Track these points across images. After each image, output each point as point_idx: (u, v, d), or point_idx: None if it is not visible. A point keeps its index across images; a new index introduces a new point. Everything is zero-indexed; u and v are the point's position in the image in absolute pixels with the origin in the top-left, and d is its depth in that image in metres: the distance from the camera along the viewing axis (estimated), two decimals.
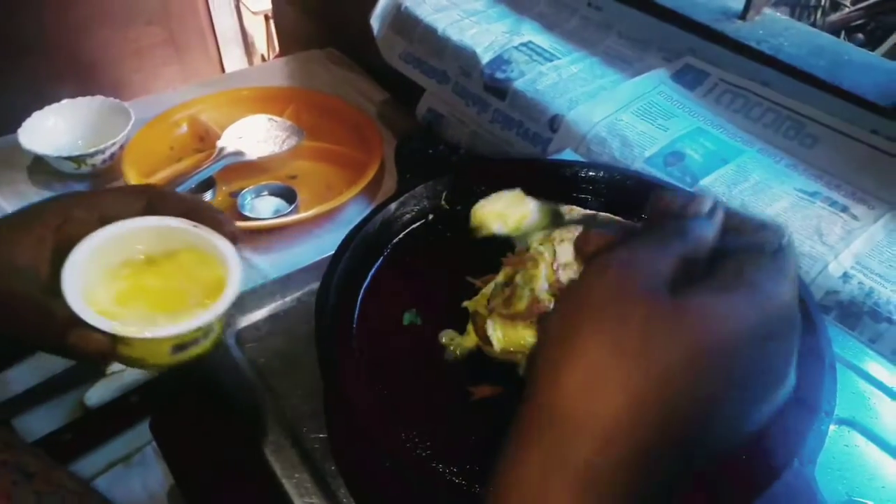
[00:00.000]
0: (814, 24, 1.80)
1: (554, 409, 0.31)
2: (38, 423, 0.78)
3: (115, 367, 0.84)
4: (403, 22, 1.15)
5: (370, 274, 0.65)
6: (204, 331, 0.47)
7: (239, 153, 1.10)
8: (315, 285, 0.60)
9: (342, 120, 1.25)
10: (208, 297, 0.48)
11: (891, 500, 0.54)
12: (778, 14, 0.99)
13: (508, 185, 0.74)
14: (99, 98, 1.19)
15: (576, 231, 0.60)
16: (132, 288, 0.48)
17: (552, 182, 0.75)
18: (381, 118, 1.27)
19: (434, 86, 1.13)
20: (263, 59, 2.24)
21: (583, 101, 0.95)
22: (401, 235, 0.69)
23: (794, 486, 0.47)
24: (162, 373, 0.81)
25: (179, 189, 1.00)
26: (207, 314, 0.46)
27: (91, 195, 0.50)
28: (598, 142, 0.89)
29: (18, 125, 1.11)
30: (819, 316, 0.58)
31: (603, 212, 0.65)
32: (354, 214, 1.06)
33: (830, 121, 0.86)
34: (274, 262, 1.01)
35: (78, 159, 1.09)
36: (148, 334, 0.45)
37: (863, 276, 0.71)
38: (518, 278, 0.57)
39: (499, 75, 1.02)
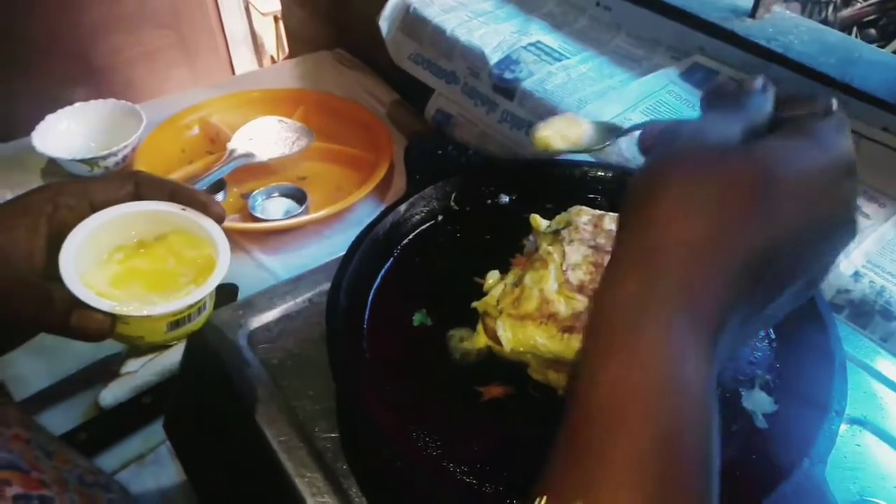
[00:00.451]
0: (825, 20, 1.79)
1: (647, 240, 0.33)
2: (54, 422, 0.79)
3: (129, 367, 0.85)
4: (412, 23, 1.16)
5: (380, 275, 0.66)
6: (197, 307, 0.50)
7: (249, 155, 1.11)
8: (326, 286, 0.61)
9: (352, 121, 1.25)
10: (199, 275, 0.51)
11: None
12: (788, 11, 0.98)
13: (517, 186, 0.75)
14: (111, 101, 1.21)
15: (590, 218, 0.61)
16: (126, 271, 0.51)
17: (561, 182, 0.75)
18: (390, 119, 1.27)
19: (443, 86, 1.13)
20: (273, 60, 2.25)
21: (592, 100, 0.95)
22: (411, 236, 0.70)
23: (804, 487, 0.47)
24: (174, 374, 0.82)
25: None
26: (200, 291, 0.49)
27: (80, 183, 0.52)
28: None
29: (32, 128, 1.12)
30: (829, 315, 0.58)
31: (612, 212, 0.65)
32: (364, 215, 1.06)
33: None
34: (285, 263, 1.02)
35: (91, 162, 1.10)
36: (146, 312, 0.47)
37: (874, 274, 0.71)
38: (527, 278, 0.57)
39: (507, 75, 1.02)
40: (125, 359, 0.86)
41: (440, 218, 0.72)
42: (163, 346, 0.85)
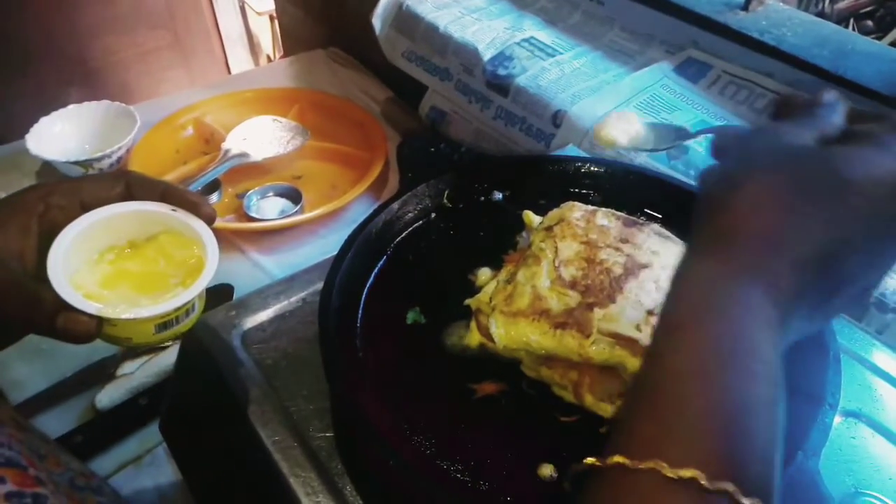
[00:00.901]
0: (822, 12, 1.78)
1: (728, 228, 0.36)
2: (50, 425, 0.79)
3: (125, 369, 0.85)
4: (405, 20, 1.16)
5: (373, 273, 0.66)
6: (185, 309, 0.50)
7: (244, 155, 1.11)
8: (319, 285, 0.61)
9: (346, 119, 1.25)
10: (188, 276, 0.51)
11: None
12: (781, 4, 0.98)
13: (511, 183, 0.75)
14: (105, 102, 1.20)
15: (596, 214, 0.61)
16: (116, 272, 0.51)
17: (554, 178, 0.75)
18: (385, 117, 1.27)
19: (437, 83, 1.13)
20: (269, 59, 2.25)
21: (586, 95, 0.95)
22: (403, 234, 0.70)
23: (798, 480, 0.47)
24: (170, 375, 0.82)
25: None
26: (187, 294, 0.49)
27: (71, 182, 0.52)
28: None
29: (26, 131, 1.12)
30: None
31: (605, 207, 0.65)
32: (360, 214, 1.06)
33: None
34: (280, 263, 1.02)
35: (85, 164, 1.10)
36: (132, 315, 0.47)
37: None
38: (520, 275, 0.57)
39: (501, 72, 1.02)
40: (121, 361, 0.86)
41: (433, 215, 0.71)
42: (156, 347, 0.85)
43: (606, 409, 0.53)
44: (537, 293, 0.55)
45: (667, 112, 0.91)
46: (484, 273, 0.62)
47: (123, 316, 0.47)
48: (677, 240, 0.62)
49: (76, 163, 1.09)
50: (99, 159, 1.10)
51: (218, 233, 0.55)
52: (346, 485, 0.54)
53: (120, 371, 0.84)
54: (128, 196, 0.52)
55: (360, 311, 0.62)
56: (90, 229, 0.50)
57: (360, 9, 1.23)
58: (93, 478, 0.45)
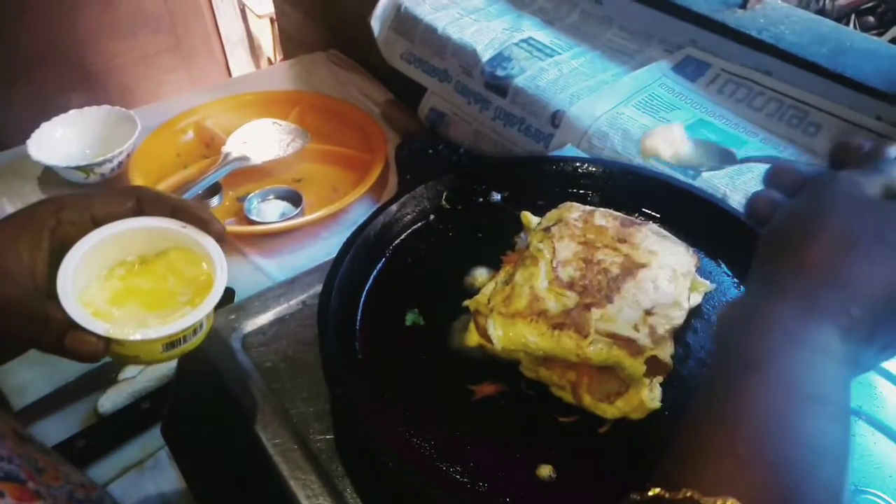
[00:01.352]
0: (823, 8, 1.78)
1: (800, 271, 0.38)
2: (53, 430, 0.80)
3: (127, 374, 0.85)
4: (403, 22, 1.16)
5: (372, 275, 0.66)
6: (193, 328, 0.49)
7: (244, 158, 1.11)
8: (319, 288, 0.61)
9: (346, 122, 1.25)
10: (197, 294, 0.50)
11: None
12: (779, 1, 0.98)
13: (509, 184, 0.75)
14: (105, 107, 1.21)
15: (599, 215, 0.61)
16: (125, 289, 0.51)
17: (552, 179, 0.75)
18: (385, 118, 1.27)
19: (436, 85, 1.13)
20: (270, 62, 2.25)
21: (584, 95, 0.95)
22: (402, 236, 0.70)
23: None
24: (171, 379, 0.83)
25: (187, 195, 1.01)
26: (195, 314, 0.49)
27: (82, 197, 0.52)
28: (599, 136, 0.89)
29: (28, 136, 1.12)
30: None
31: (603, 207, 0.65)
32: (360, 216, 1.05)
33: (833, 108, 0.85)
34: (281, 266, 1.02)
35: (86, 169, 1.10)
36: (139, 337, 0.47)
37: None
38: (518, 276, 0.57)
39: (499, 73, 1.02)
40: (123, 365, 0.86)
41: (432, 217, 0.72)
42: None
43: (605, 410, 0.53)
44: (535, 294, 0.55)
45: (665, 111, 0.91)
46: (482, 274, 0.62)
47: (131, 337, 0.47)
48: (675, 239, 0.62)
49: (77, 168, 1.10)
50: (100, 164, 1.10)
51: None
52: (347, 487, 0.54)
53: (122, 375, 0.85)
54: (138, 211, 0.52)
55: (360, 314, 0.62)
56: (101, 245, 0.50)
57: (359, 11, 1.23)
58: (93, 489, 0.45)
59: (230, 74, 2.25)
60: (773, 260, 0.41)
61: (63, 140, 1.17)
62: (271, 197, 1.11)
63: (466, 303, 0.59)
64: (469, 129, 1.10)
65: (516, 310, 0.54)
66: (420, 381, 0.57)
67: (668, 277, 0.57)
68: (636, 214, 0.72)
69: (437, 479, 0.50)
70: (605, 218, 0.62)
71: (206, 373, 0.65)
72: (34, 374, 0.86)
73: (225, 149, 1.13)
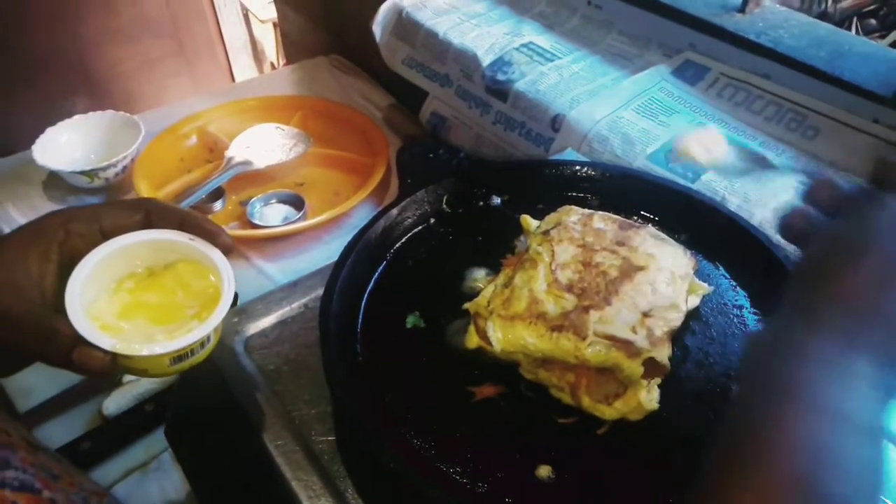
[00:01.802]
0: (825, 11, 1.79)
1: (843, 300, 0.38)
2: (58, 431, 0.80)
3: (131, 376, 0.86)
4: (405, 27, 1.17)
5: (373, 279, 0.66)
6: (201, 342, 0.49)
7: (247, 163, 1.12)
8: (321, 291, 0.62)
9: (348, 126, 1.26)
10: (204, 308, 0.50)
11: None
12: (777, 5, 0.99)
13: (509, 188, 0.75)
14: (110, 112, 1.22)
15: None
16: (134, 302, 0.51)
17: (552, 182, 0.75)
18: (386, 123, 1.28)
19: (437, 89, 1.14)
20: (273, 66, 2.26)
21: (584, 99, 0.96)
22: (403, 240, 0.70)
23: None
24: (175, 382, 0.83)
25: (190, 200, 1.02)
26: (201, 329, 0.48)
27: (91, 209, 0.52)
28: (599, 140, 0.90)
29: (32, 142, 1.13)
30: None
31: (602, 210, 0.66)
32: (362, 219, 1.05)
33: (832, 111, 0.85)
34: (284, 270, 1.03)
35: (91, 173, 1.11)
36: (146, 352, 0.47)
37: None
38: (517, 279, 0.58)
39: (500, 77, 1.03)
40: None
41: (432, 221, 0.72)
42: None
43: (603, 411, 0.53)
44: (534, 296, 0.56)
45: (665, 115, 0.91)
46: (482, 277, 0.63)
47: (138, 353, 0.47)
48: (673, 242, 0.62)
49: (82, 172, 1.11)
50: (104, 169, 1.11)
51: None
52: (348, 487, 0.55)
53: (126, 378, 0.85)
54: (147, 224, 0.52)
55: (361, 316, 0.63)
56: (109, 258, 0.50)
57: (361, 16, 1.24)
58: (105, 496, 0.46)
59: (233, 79, 2.27)
60: (810, 287, 0.40)
61: (67, 145, 1.18)
62: (274, 201, 1.11)
63: (466, 305, 0.59)
64: (470, 133, 1.10)
65: (515, 312, 0.55)
66: (420, 383, 0.58)
67: (666, 280, 0.58)
68: (635, 217, 0.72)
69: (438, 480, 0.51)
70: (603, 221, 0.63)
71: (209, 375, 0.66)
72: (39, 377, 0.86)
73: (228, 153, 1.14)
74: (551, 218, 0.65)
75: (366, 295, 0.65)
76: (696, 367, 0.58)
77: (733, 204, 0.78)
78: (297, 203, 1.10)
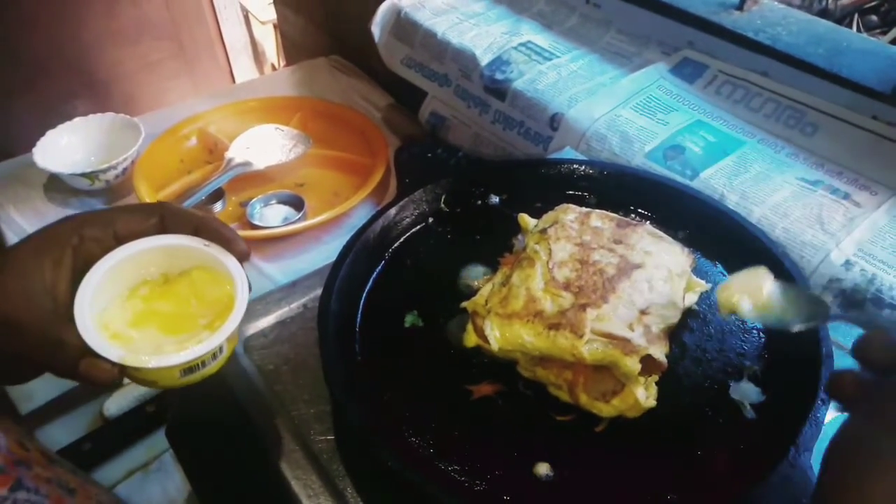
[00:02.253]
0: (826, 8, 1.79)
1: None
2: (60, 433, 0.81)
3: None
4: (403, 27, 1.17)
5: (372, 278, 0.67)
6: (212, 353, 0.48)
7: (247, 164, 1.12)
8: (320, 291, 0.62)
9: (348, 127, 1.26)
10: (218, 317, 0.49)
11: None
12: (776, 3, 0.99)
13: (507, 187, 0.75)
14: (110, 115, 1.22)
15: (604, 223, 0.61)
16: (147, 310, 0.50)
17: (550, 181, 0.75)
18: (386, 123, 1.28)
19: (436, 89, 1.14)
20: (274, 67, 2.26)
21: (582, 98, 0.96)
22: (401, 239, 0.71)
23: (790, 475, 0.47)
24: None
25: (190, 201, 1.02)
26: (211, 341, 0.47)
27: (105, 213, 0.51)
28: (598, 138, 0.90)
29: (33, 144, 1.14)
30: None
31: (600, 208, 0.66)
32: (362, 220, 1.05)
33: (830, 108, 0.85)
34: (284, 270, 1.03)
35: (91, 175, 1.11)
36: (154, 364, 0.45)
37: (865, 262, 0.71)
38: (515, 277, 0.58)
39: (498, 76, 1.03)
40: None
41: (430, 220, 0.72)
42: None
43: (601, 408, 0.53)
44: (531, 295, 0.56)
45: (663, 113, 0.91)
46: (480, 276, 0.63)
47: (145, 365, 0.45)
48: (670, 239, 0.63)
49: (82, 175, 1.11)
50: (105, 170, 1.12)
51: None
52: (347, 486, 0.55)
53: (127, 380, 0.86)
54: (161, 229, 0.51)
55: (359, 316, 0.63)
56: (122, 264, 0.49)
57: (360, 17, 1.24)
58: None
59: (234, 81, 2.27)
60: (837, 483, 0.36)
61: (68, 147, 1.18)
62: (274, 202, 1.12)
63: (464, 304, 0.60)
64: (469, 132, 1.10)
65: (513, 311, 0.55)
66: (419, 382, 0.58)
67: (664, 277, 0.58)
68: (633, 215, 0.72)
69: (436, 478, 0.51)
70: (600, 219, 0.63)
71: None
72: (41, 379, 0.86)
73: (228, 154, 1.14)
74: (549, 216, 0.65)
75: (364, 294, 0.65)
76: (694, 365, 0.58)
77: (731, 201, 0.78)
78: (296, 204, 1.10)
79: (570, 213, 0.63)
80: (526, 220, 0.67)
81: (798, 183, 0.80)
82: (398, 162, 0.76)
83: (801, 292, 0.52)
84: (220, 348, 0.48)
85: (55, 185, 1.17)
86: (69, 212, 1.14)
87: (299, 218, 1.07)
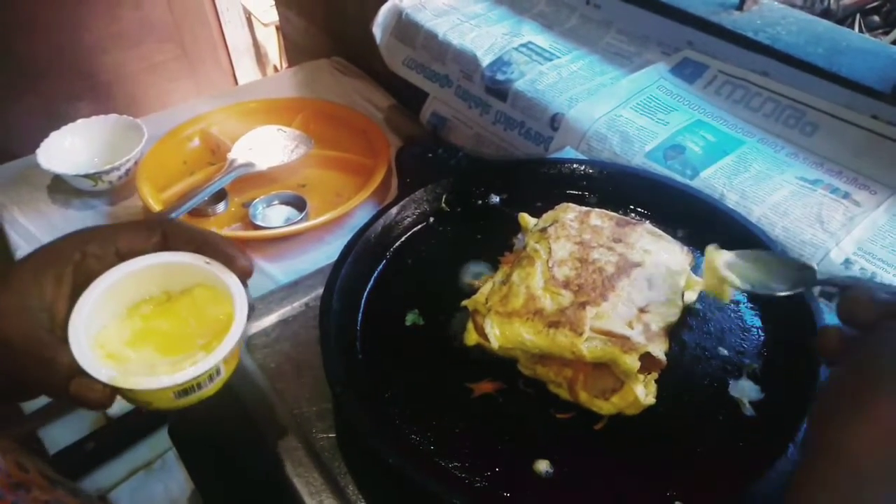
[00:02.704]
0: (828, 8, 1.79)
1: (847, 457, 0.35)
2: (63, 432, 0.81)
3: None
4: (405, 28, 1.17)
5: (373, 277, 0.67)
6: (209, 374, 0.46)
7: (249, 164, 1.13)
8: (321, 290, 0.62)
9: (350, 127, 1.27)
10: (215, 337, 0.48)
11: None
12: (775, 3, 0.99)
13: (507, 186, 0.76)
14: (113, 116, 1.23)
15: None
16: (145, 329, 0.49)
17: (550, 180, 0.76)
18: (387, 124, 1.28)
19: (437, 90, 1.14)
20: (276, 69, 2.27)
21: (583, 98, 0.96)
22: (402, 239, 0.71)
23: (790, 472, 0.47)
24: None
25: (193, 202, 1.03)
26: (206, 362, 0.45)
27: (107, 229, 0.49)
28: (598, 138, 0.90)
29: (37, 146, 1.15)
30: (815, 303, 0.58)
31: (600, 207, 0.66)
32: (364, 220, 1.07)
33: (830, 108, 0.86)
34: (286, 270, 1.03)
35: (94, 177, 1.12)
36: (146, 386, 0.44)
37: (865, 261, 0.72)
38: (515, 276, 0.58)
39: (499, 77, 1.03)
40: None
41: (431, 219, 0.73)
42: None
43: (600, 406, 0.54)
44: (531, 293, 0.56)
45: (663, 113, 0.92)
46: (480, 275, 0.63)
47: (136, 387, 0.44)
48: (669, 238, 0.63)
49: (86, 176, 1.12)
50: (108, 172, 1.12)
51: None
52: (349, 484, 0.55)
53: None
54: (164, 246, 0.50)
55: (361, 315, 0.64)
56: (120, 283, 0.48)
57: (362, 18, 1.25)
58: None
59: (236, 82, 2.28)
60: (822, 433, 0.37)
61: (72, 149, 1.19)
62: (276, 202, 1.12)
63: (465, 303, 0.60)
64: (470, 132, 1.11)
65: (513, 309, 0.56)
66: (420, 380, 0.58)
67: (663, 275, 0.58)
68: (633, 214, 0.73)
69: (437, 476, 0.51)
70: (600, 218, 0.63)
71: None
72: None
73: (230, 155, 1.14)
74: (549, 216, 0.65)
75: (365, 293, 0.66)
76: (693, 362, 0.59)
77: (731, 201, 0.78)
78: (298, 204, 1.11)
79: (569, 212, 0.64)
80: (526, 219, 0.67)
81: (798, 182, 0.80)
82: (399, 162, 0.77)
83: (788, 259, 0.52)
84: (217, 370, 0.47)
85: (59, 187, 1.18)
86: (72, 212, 1.14)
87: (301, 218, 1.08)
